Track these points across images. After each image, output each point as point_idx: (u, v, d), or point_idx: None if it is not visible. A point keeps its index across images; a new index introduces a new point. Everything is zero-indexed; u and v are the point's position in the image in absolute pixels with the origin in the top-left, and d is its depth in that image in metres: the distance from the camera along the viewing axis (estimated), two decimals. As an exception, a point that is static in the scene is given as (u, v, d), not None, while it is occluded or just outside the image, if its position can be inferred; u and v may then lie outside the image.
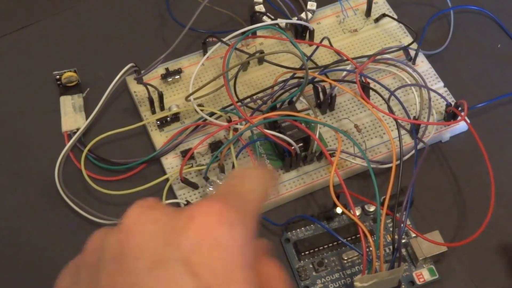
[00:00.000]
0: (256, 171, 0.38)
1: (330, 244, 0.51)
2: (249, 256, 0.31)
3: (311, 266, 0.50)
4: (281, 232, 0.52)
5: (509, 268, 0.50)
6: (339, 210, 0.50)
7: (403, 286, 0.49)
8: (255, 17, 0.61)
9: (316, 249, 0.50)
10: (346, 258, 0.50)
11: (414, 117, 0.55)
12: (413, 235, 0.51)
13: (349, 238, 0.50)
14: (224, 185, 0.37)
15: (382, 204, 0.47)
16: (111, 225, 0.52)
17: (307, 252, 0.50)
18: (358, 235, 0.47)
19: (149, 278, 0.31)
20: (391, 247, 0.49)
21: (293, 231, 0.52)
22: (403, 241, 0.51)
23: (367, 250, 0.46)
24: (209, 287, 0.30)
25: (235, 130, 0.54)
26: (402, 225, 0.48)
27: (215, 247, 0.31)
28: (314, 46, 0.58)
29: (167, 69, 0.59)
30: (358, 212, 0.51)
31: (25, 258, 0.52)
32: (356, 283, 0.46)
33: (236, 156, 0.52)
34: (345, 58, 0.56)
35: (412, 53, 0.59)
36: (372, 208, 0.52)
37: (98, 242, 0.34)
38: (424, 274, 0.50)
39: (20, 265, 0.51)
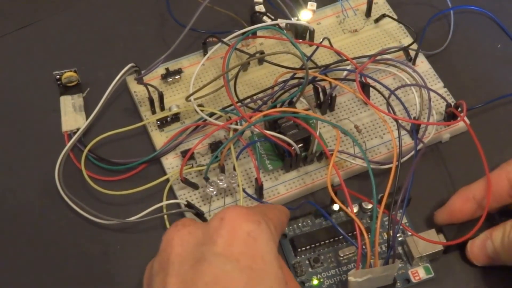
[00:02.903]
0: (271, 205, 0.46)
1: (327, 241, 0.51)
2: (275, 249, 0.38)
3: (307, 262, 0.50)
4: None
5: (502, 267, 0.50)
6: (336, 206, 0.51)
7: (398, 284, 0.49)
8: (255, 17, 0.61)
9: (313, 245, 0.50)
10: (342, 255, 0.50)
11: (414, 117, 0.55)
12: (410, 233, 0.51)
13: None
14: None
15: (380, 202, 0.47)
16: (111, 225, 0.52)
17: (303, 248, 0.50)
18: (354, 232, 0.47)
19: (196, 274, 0.36)
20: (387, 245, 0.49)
21: (290, 227, 0.52)
22: (400, 239, 0.51)
23: (363, 246, 0.46)
24: (249, 267, 0.36)
25: (236, 130, 0.54)
26: (398, 222, 0.47)
27: (247, 238, 0.37)
28: (314, 46, 0.58)
29: (167, 69, 0.59)
30: (355, 210, 0.51)
31: (25, 258, 0.52)
32: (350, 278, 0.46)
33: (237, 158, 0.52)
34: (345, 59, 0.56)
35: (412, 53, 0.59)
36: (369, 206, 0.52)
37: (149, 269, 0.40)
38: (419, 272, 0.50)
39: (20, 265, 0.51)
